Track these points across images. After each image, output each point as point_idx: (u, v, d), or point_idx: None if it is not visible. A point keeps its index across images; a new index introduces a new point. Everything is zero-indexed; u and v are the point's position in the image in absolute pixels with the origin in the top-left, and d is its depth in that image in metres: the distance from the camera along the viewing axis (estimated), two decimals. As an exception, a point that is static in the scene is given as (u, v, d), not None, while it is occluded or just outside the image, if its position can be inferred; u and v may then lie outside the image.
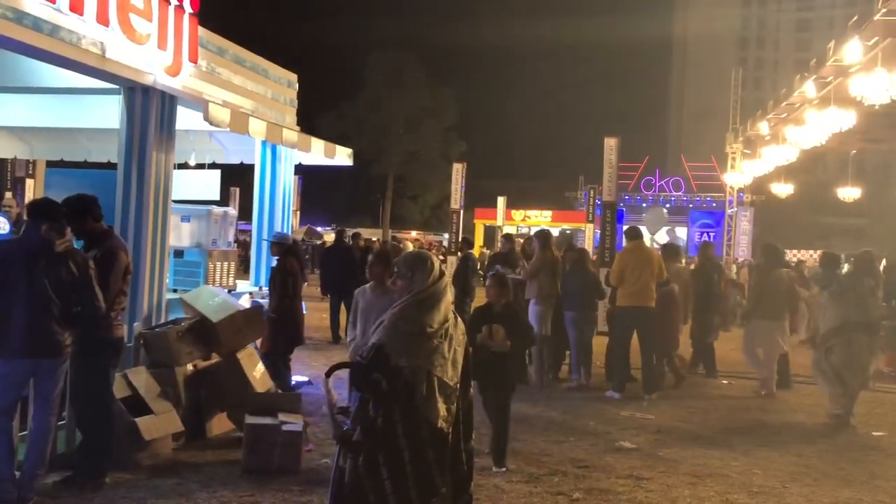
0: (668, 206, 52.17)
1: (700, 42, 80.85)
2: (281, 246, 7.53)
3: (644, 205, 54.31)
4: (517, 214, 40.12)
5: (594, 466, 6.02)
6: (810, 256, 41.66)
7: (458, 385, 3.65)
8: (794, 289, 9.95)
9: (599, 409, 8.12)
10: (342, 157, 8.60)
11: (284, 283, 7.29)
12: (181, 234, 7.81)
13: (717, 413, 8.25)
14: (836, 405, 7.80)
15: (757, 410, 8.52)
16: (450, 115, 53.31)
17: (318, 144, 8.07)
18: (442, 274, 3.68)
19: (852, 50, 14.41)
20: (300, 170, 10.88)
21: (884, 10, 13.06)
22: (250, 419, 5.64)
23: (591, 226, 27.27)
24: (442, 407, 3.55)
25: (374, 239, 30.86)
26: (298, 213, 29.10)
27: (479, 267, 16.85)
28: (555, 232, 33.20)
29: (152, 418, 5.56)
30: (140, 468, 5.39)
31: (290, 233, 8.75)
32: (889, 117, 18.13)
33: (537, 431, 7.09)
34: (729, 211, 30.67)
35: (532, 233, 14.89)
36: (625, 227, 12.87)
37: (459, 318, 3.74)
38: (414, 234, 45.89)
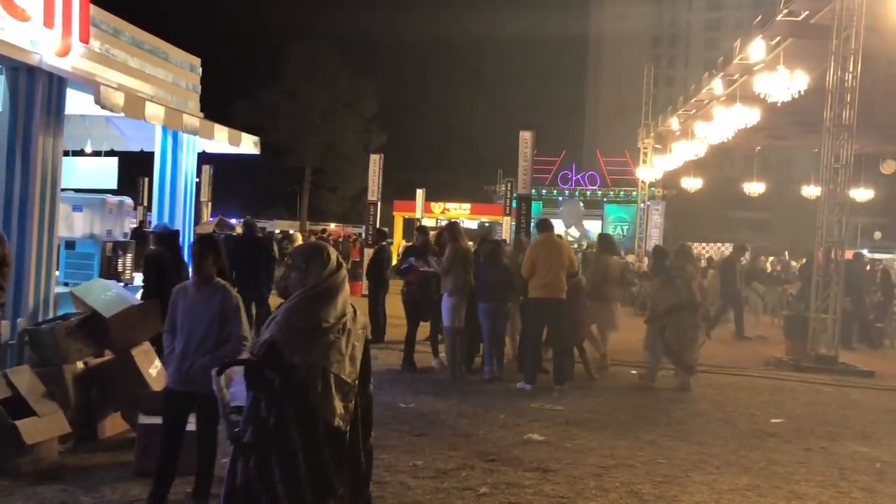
0: (583, 199, 53.18)
1: (615, 39, 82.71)
2: (160, 237, 7.11)
3: (561, 199, 55.21)
4: (436, 207, 40.08)
5: (502, 459, 5.98)
6: (717, 249, 43.20)
7: (357, 381, 3.53)
8: (625, 275, 11.93)
9: (511, 401, 8.11)
10: (248, 145, 8.31)
11: (148, 275, 6.89)
12: (73, 224, 7.38)
13: (625, 403, 8.35)
14: (651, 377, 9.43)
15: (665, 400, 8.67)
16: (369, 106, 52.83)
17: (221, 131, 7.76)
18: (339, 266, 3.54)
19: (756, 49, 14.90)
20: (211, 159, 10.51)
21: (785, 11, 13.52)
22: (144, 419, 5.36)
23: (508, 219, 27.45)
24: (339, 405, 3.42)
25: (290, 231, 30.39)
26: (210, 203, 28.27)
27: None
28: (474, 225, 33.25)
29: (35, 420, 5.22)
30: (21, 474, 5.05)
31: (193, 223, 8.41)
32: (791, 115, 18.85)
33: (447, 425, 7.02)
34: (641, 205, 31.40)
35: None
36: (536, 220, 12.96)
37: (358, 312, 3.61)
38: (333, 226, 45.37)
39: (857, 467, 6.23)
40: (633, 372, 10.29)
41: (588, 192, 51.65)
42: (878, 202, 42.61)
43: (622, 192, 48.12)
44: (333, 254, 3.55)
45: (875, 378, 10.83)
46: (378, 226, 19.01)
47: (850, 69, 11.58)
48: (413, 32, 78.41)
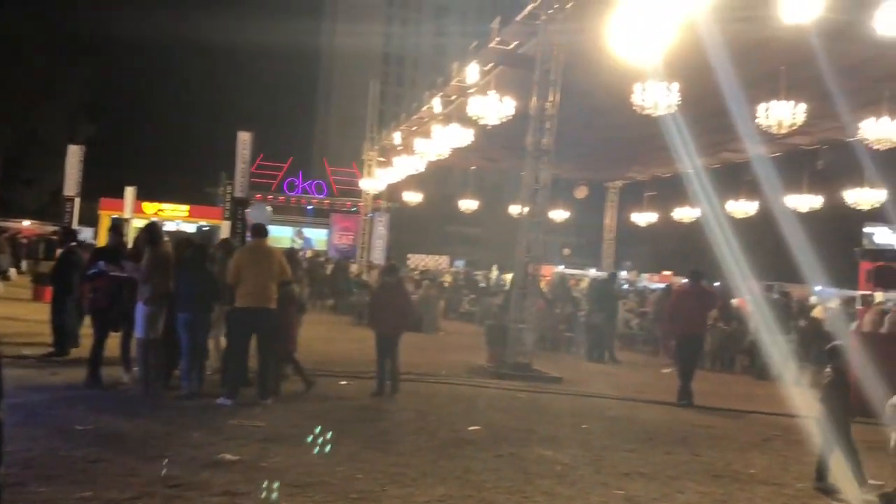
0: (310, 207, 52.85)
1: (346, 53, 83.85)
2: None
3: (267, 205, 54.25)
4: (150, 207, 37.30)
5: (188, 484, 5.45)
6: (435, 261, 45.19)
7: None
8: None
9: (208, 419, 7.55)
10: None
11: None
12: None
13: (330, 416, 8.15)
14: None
15: (372, 411, 8.64)
16: (76, 95, 48.02)
17: None
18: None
19: (471, 73, 15.72)
20: None
21: (497, 40, 14.42)
22: None
23: (227, 222, 26.31)
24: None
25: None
26: None
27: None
28: (192, 228, 31.27)
29: None
30: None
31: None
32: (503, 138, 20.20)
33: (130, 448, 6.30)
34: (366, 216, 31.86)
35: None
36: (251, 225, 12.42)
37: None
38: (27, 223, 40.37)
39: (541, 471, 6.59)
40: (343, 382, 10.18)
41: (314, 201, 51.43)
42: (572, 223, 47.49)
43: (349, 202, 48.53)
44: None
45: (562, 384, 11.79)
46: (79, 224, 17.14)
47: (550, 98, 12.56)
48: (144, 29, 72.71)
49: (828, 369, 7.12)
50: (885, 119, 14.03)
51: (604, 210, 32.39)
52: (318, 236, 49.15)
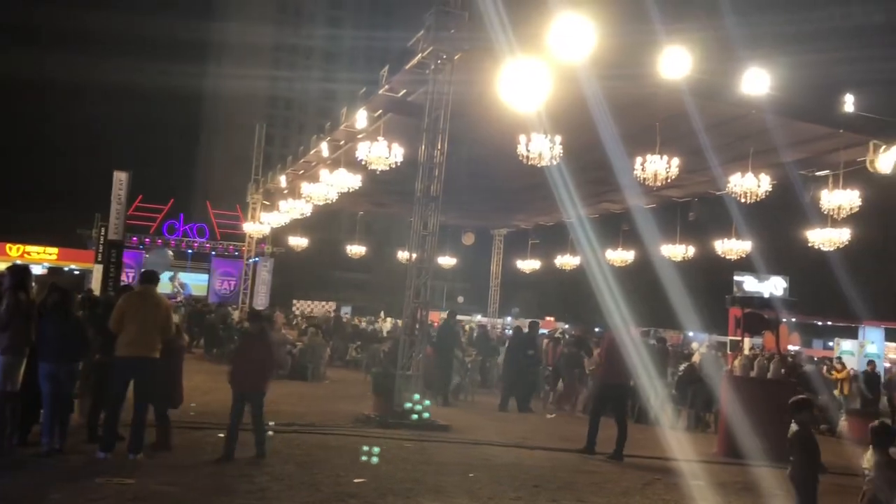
0: (190, 252, 51.08)
1: (232, 95, 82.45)
2: None
3: (167, 249, 52.30)
4: (14, 249, 35.07)
5: (43, 554, 4.97)
6: (322, 307, 44.50)
7: None
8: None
9: (72, 477, 6.98)
10: None
11: None
12: None
13: (206, 471, 7.73)
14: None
15: (251, 466, 8.22)
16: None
17: None
18: None
19: (360, 118, 15.71)
20: None
21: (386, 87, 14.51)
22: None
23: (100, 266, 24.99)
24: None
25: None
26: None
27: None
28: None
29: None
30: None
31: None
32: (390, 184, 20.26)
33: (-21, 514, 5.72)
34: (249, 261, 31.05)
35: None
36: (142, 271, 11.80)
37: None
38: None
39: (427, 523, 6.43)
40: (221, 435, 9.68)
41: (196, 244, 49.81)
42: (461, 269, 47.99)
43: (231, 247, 47.24)
44: None
45: (449, 432, 11.68)
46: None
47: (439, 146, 12.67)
48: (18, 69, 68.80)
49: (793, 425, 6.68)
50: (750, 175, 14.94)
51: (490, 256, 32.94)
52: (196, 281, 47.56)
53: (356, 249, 30.24)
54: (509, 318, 39.74)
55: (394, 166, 15.17)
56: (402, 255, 27.68)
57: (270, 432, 9.31)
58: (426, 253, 12.82)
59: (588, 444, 10.77)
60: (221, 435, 9.54)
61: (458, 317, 47.51)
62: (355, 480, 7.82)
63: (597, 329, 27.43)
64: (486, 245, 33.66)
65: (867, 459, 5.93)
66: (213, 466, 8.02)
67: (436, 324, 29.74)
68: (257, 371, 8.83)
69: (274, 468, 8.11)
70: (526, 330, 17.76)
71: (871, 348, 30.89)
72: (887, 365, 25.28)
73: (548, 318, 49.94)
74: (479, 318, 42.80)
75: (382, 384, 12.56)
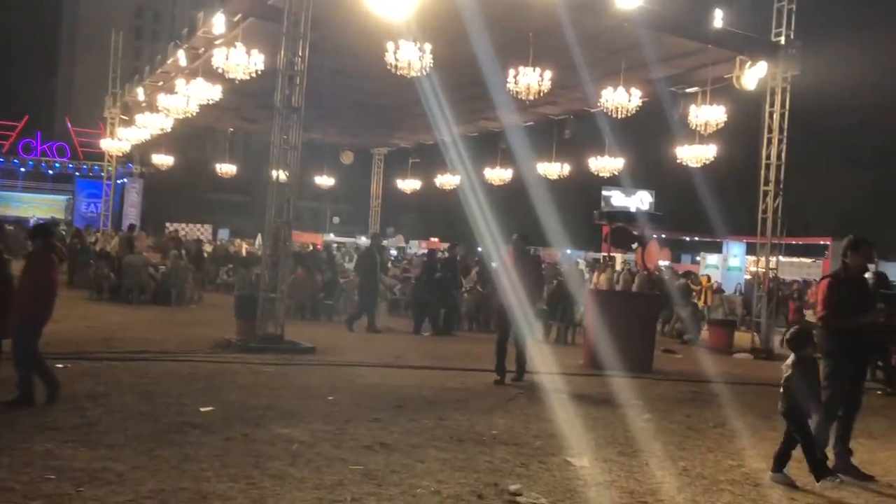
0: (51, 172, 47.77)
1: (93, 3, 76.28)
2: None
3: (22, 169, 48.86)
4: None
5: None
6: (196, 230, 42.73)
7: None
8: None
9: None
10: None
11: None
12: None
13: (35, 408, 7.00)
14: None
15: (83, 398, 7.50)
16: None
17: None
18: None
19: (218, 23, 14.51)
20: None
21: (245, -12, 13.37)
22: None
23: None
24: None
25: None
26: None
27: None
28: None
29: None
30: None
31: None
32: (259, 98, 19.07)
33: None
34: (116, 181, 29.11)
35: None
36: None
37: None
38: None
39: (273, 452, 6.02)
40: (60, 366, 8.89)
41: (57, 164, 46.57)
42: (342, 190, 47.04)
43: (95, 167, 44.36)
44: None
45: (315, 354, 11.29)
46: None
47: (300, 53, 11.82)
48: None
49: (792, 358, 6.10)
50: (621, 89, 14.89)
51: (371, 177, 32.23)
52: (57, 205, 44.68)
53: (227, 168, 28.82)
54: (389, 240, 39.33)
55: (254, 75, 14.18)
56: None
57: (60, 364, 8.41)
58: (290, 169, 12.11)
59: (496, 370, 9.96)
60: (60, 365, 8.79)
61: (338, 239, 46.90)
62: (202, 409, 7.30)
63: (479, 249, 27.45)
64: (366, 165, 32.88)
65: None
66: (41, 398, 7.28)
67: (319, 246, 29.08)
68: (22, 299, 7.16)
69: (110, 399, 7.46)
70: (443, 254, 17.42)
71: (734, 262, 32.62)
72: (748, 277, 26.62)
73: (432, 239, 50.06)
74: (362, 239, 42.26)
75: (246, 307, 11.97)
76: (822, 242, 35.57)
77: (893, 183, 51.44)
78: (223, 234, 46.88)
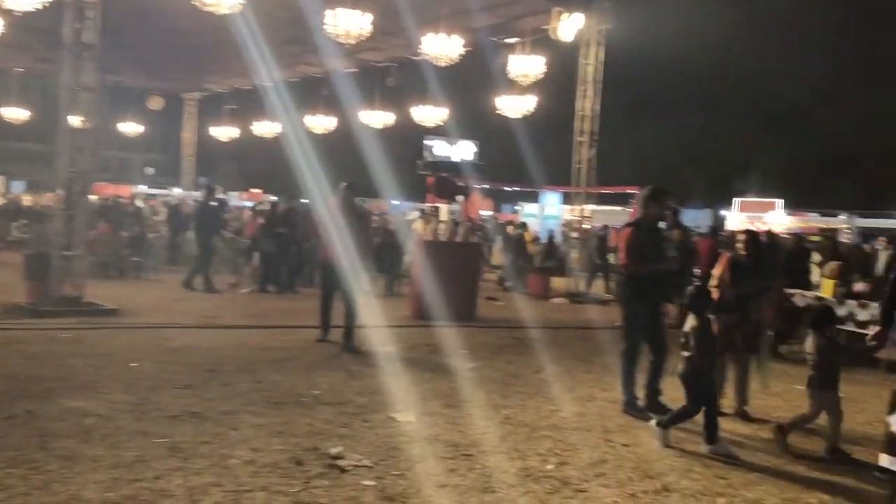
0: None
1: None
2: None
3: None
4: None
5: None
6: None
7: None
8: None
9: None
10: None
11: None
12: None
13: None
14: None
15: None
16: None
17: None
18: None
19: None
20: None
21: None
22: None
23: None
24: None
25: None
26: None
27: None
28: None
29: None
30: None
31: None
32: (51, 35, 17.10)
33: None
34: None
35: None
36: None
37: None
38: None
39: (63, 429, 5.36)
40: None
41: None
42: (153, 138, 43.98)
43: None
44: None
45: (119, 316, 10.39)
46: None
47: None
48: None
49: (690, 318, 5.87)
50: (443, 36, 14.68)
51: (182, 124, 30.25)
52: None
53: (17, 114, 25.92)
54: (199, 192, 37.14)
55: (41, 7, 12.58)
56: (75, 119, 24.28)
57: None
58: (85, 114, 10.90)
59: (320, 326, 9.46)
60: None
61: (151, 191, 44.03)
62: (131, 364, 6.43)
63: (303, 201, 26.59)
64: (178, 111, 30.80)
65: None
66: None
67: (127, 199, 26.98)
68: None
69: None
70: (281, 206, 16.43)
71: (551, 211, 33.96)
72: (561, 224, 27.73)
73: (253, 191, 48.19)
74: (176, 191, 39.86)
75: (36, 267, 10.76)
76: (629, 191, 37.82)
77: (691, 134, 55.62)
78: (17, 186, 42.62)
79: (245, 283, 15.13)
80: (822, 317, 6.22)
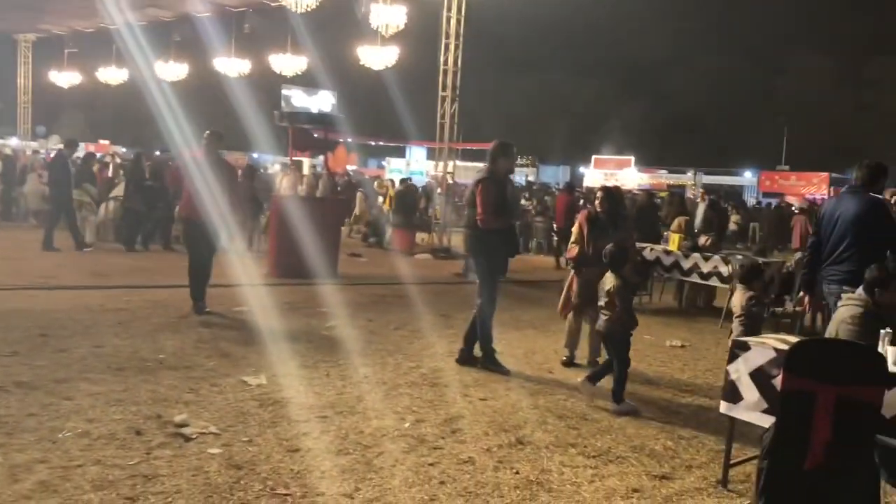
0: None
1: None
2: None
3: None
4: None
5: None
6: None
7: None
8: None
9: None
10: None
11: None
12: None
13: None
14: None
15: None
16: None
17: None
18: None
19: None
20: None
21: None
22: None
23: None
24: None
25: None
26: None
27: None
28: None
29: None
30: None
31: None
32: None
33: None
34: None
35: None
36: None
37: None
38: None
39: None
40: None
41: None
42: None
43: None
44: None
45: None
46: None
47: None
48: None
49: (611, 276, 5.86)
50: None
51: (16, 68, 27.72)
52: None
53: None
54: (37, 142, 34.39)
55: None
56: None
57: None
58: None
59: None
60: None
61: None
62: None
63: (157, 153, 25.17)
64: (10, 53, 28.17)
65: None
66: None
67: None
68: None
69: None
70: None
71: (417, 166, 33.93)
72: (428, 179, 27.77)
73: (101, 142, 45.24)
74: (13, 141, 36.73)
75: None
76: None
77: (554, 92, 56.81)
78: None
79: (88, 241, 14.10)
80: (751, 273, 6.68)
